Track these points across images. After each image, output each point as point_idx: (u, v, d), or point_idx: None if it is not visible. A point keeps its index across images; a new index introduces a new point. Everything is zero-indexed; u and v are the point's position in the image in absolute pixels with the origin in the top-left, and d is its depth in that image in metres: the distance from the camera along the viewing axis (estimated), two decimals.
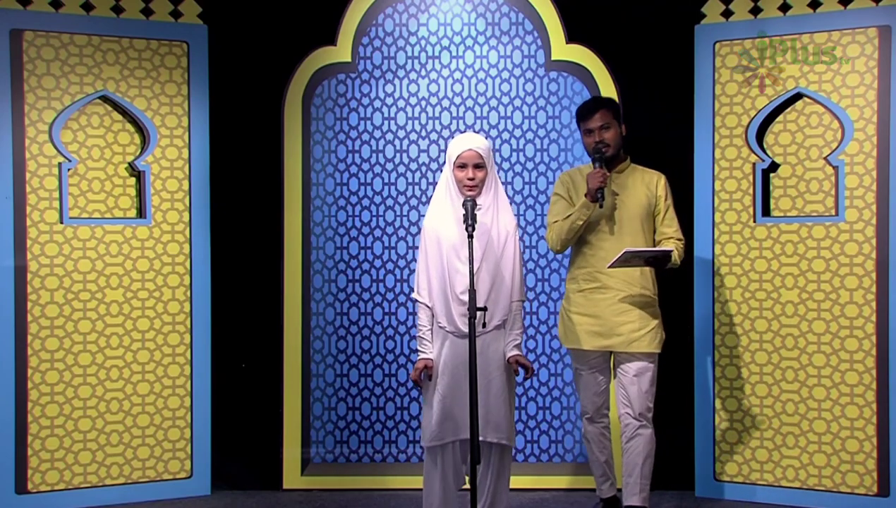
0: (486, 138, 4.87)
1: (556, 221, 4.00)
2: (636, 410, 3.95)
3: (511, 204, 4.84)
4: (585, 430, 4.18)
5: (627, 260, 3.82)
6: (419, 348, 3.69)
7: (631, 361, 3.96)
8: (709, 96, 4.60)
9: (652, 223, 4.03)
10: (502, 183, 4.85)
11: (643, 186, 4.02)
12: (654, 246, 4.02)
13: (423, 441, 3.72)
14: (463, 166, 3.59)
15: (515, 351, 3.66)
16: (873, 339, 4.35)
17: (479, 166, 3.59)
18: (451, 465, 3.68)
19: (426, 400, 3.68)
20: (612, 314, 3.95)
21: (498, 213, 3.67)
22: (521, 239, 4.86)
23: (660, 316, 4.04)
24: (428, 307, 3.66)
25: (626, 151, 4.08)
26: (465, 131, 4.83)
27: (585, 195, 3.88)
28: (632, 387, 3.95)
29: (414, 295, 3.73)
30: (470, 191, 3.58)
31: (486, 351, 3.60)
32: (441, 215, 3.66)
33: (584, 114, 4.00)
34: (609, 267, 3.86)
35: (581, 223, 3.90)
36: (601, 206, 3.86)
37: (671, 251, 3.90)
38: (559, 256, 4.87)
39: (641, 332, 3.94)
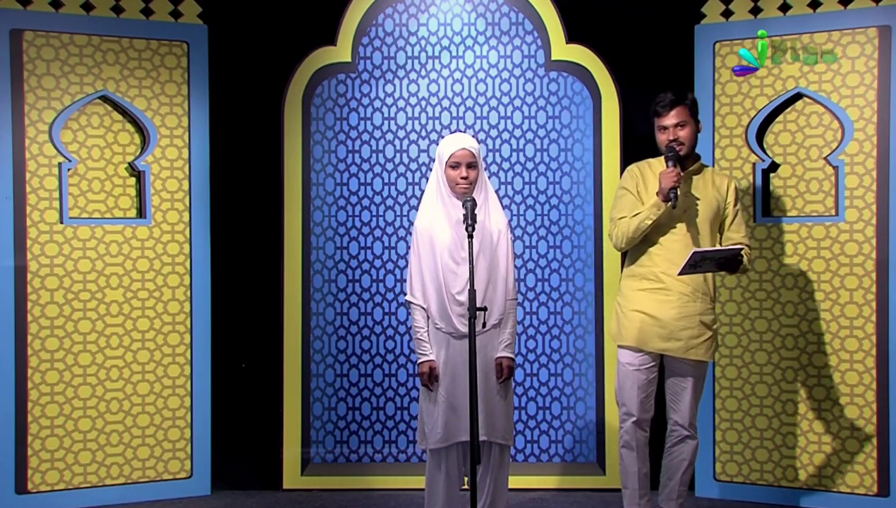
0: (481, 139, 4.89)
1: (622, 217, 3.79)
2: (685, 419, 3.83)
3: (511, 204, 4.88)
4: (631, 437, 3.84)
5: (697, 263, 3.62)
6: (419, 350, 3.68)
7: (685, 368, 3.80)
8: (709, 96, 4.60)
9: (719, 227, 3.85)
10: (502, 183, 4.88)
11: (713, 189, 3.83)
12: None
13: (424, 443, 3.70)
14: (456, 165, 3.60)
15: (507, 352, 3.66)
16: (873, 339, 4.35)
17: (471, 165, 3.60)
18: (455, 466, 3.68)
19: (427, 401, 3.67)
20: (673, 318, 3.75)
21: (490, 212, 3.68)
22: (520, 239, 4.88)
23: (717, 324, 3.90)
24: (423, 308, 3.66)
25: (699, 152, 3.91)
26: (465, 131, 4.83)
27: (657, 194, 3.70)
28: (683, 395, 3.82)
29: (407, 298, 3.71)
30: (464, 190, 3.59)
31: (484, 350, 3.60)
32: (433, 216, 3.67)
33: (659, 110, 3.80)
34: (679, 274, 3.66)
35: (650, 222, 3.70)
36: (674, 207, 3.66)
37: (741, 249, 3.69)
38: (559, 256, 4.87)
39: (700, 340, 3.77)
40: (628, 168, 3.96)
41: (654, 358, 3.84)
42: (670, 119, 3.76)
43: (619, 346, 3.89)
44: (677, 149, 3.74)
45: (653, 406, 3.88)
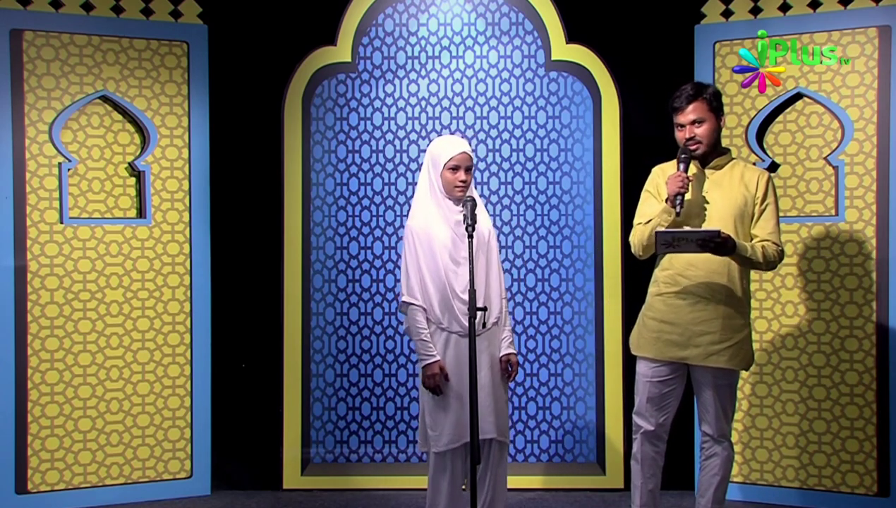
0: (481, 139, 4.89)
1: (639, 223, 3.61)
2: (714, 432, 3.61)
3: (511, 204, 4.88)
4: (638, 450, 3.68)
5: (670, 243, 3.37)
6: (423, 351, 3.59)
7: (707, 378, 3.56)
8: None
9: (749, 225, 3.56)
10: (502, 183, 4.90)
11: (741, 185, 3.54)
12: None
13: (425, 446, 3.67)
14: (455, 168, 3.62)
15: (512, 349, 3.73)
16: (873, 339, 4.35)
17: (468, 169, 3.64)
18: (460, 466, 3.67)
19: (433, 403, 3.61)
20: (692, 322, 3.52)
21: (480, 214, 3.69)
22: (520, 239, 4.89)
23: (749, 328, 3.60)
24: (423, 309, 3.62)
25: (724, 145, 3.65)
26: (465, 131, 4.84)
27: (666, 200, 3.50)
28: (709, 406, 3.59)
29: (405, 299, 3.63)
30: (461, 192, 3.61)
31: (489, 349, 3.63)
32: (429, 217, 3.65)
33: (675, 105, 3.54)
34: (657, 253, 3.47)
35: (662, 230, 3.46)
36: (678, 215, 3.44)
37: (717, 232, 3.33)
38: (559, 256, 4.87)
39: (722, 346, 3.51)
40: (653, 169, 3.74)
41: (673, 370, 3.62)
42: (687, 115, 3.52)
43: (637, 356, 3.71)
44: (692, 148, 3.52)
45: (668, 422, 3.67)
